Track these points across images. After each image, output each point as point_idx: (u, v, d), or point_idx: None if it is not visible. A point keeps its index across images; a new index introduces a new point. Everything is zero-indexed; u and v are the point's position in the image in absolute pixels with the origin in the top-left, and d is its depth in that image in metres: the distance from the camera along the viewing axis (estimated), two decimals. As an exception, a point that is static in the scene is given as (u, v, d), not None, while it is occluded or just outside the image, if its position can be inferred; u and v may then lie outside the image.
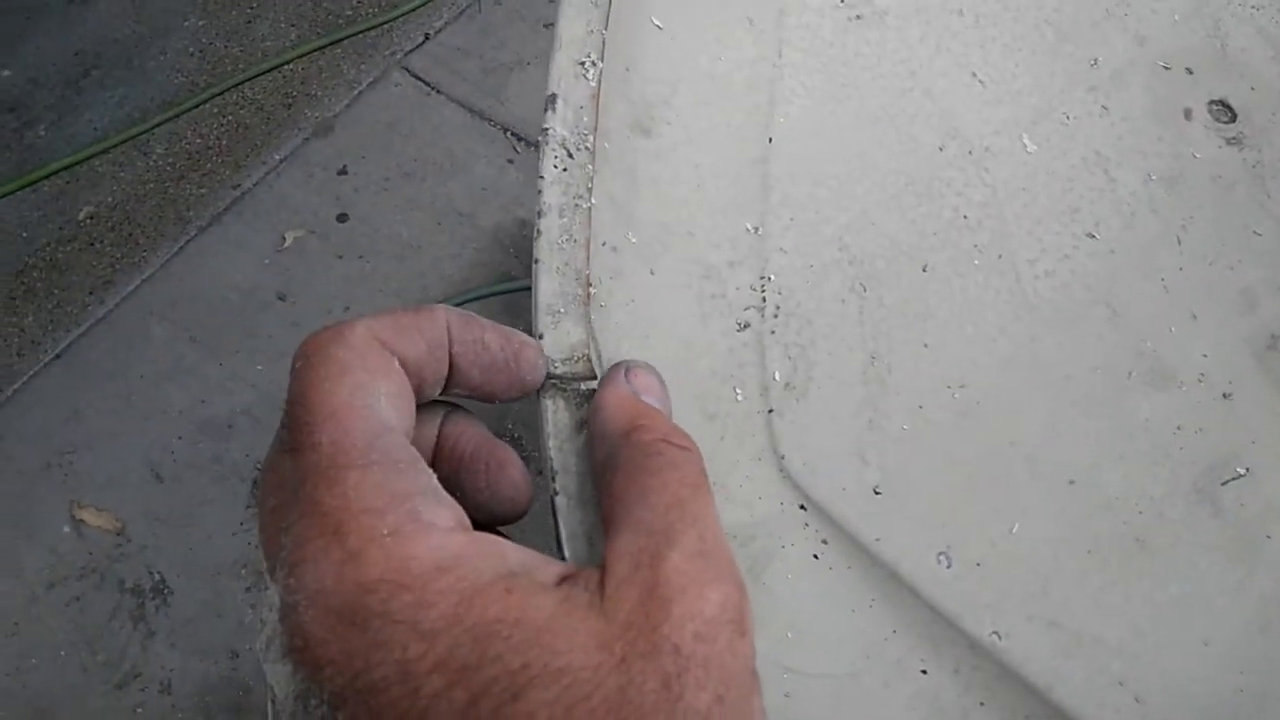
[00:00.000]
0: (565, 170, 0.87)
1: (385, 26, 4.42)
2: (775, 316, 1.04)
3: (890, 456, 1.01)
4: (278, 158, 4.13)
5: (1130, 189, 1.22)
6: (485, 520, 0.70)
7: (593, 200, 0.86)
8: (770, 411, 1.01)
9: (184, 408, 3.74)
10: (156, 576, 3.58)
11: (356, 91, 4.33)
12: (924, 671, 0.93)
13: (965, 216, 1.14)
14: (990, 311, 1.11)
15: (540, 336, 0.81)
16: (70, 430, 3.64)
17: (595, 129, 0.87)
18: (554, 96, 0.86)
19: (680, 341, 0.99)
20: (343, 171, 4.11)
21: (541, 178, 0.84)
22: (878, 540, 0.95)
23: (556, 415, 0.81)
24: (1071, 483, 1.02)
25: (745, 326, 1.03)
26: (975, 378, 1.07)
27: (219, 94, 4.13)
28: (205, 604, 3.56)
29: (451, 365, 0.67)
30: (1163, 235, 1.20)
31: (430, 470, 0.59)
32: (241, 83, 4.17)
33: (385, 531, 0.53)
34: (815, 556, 0.96)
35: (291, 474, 0.57)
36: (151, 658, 3.47)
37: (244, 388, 3.77)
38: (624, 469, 0.60)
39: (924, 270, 1.10)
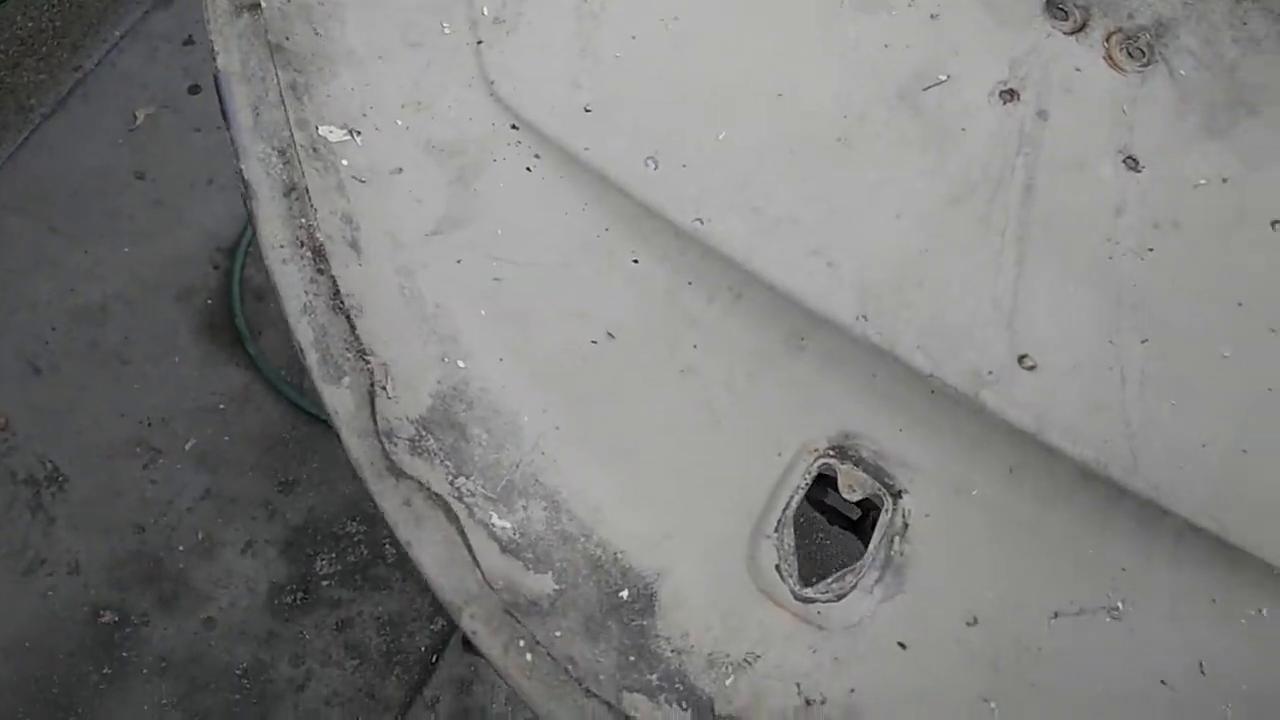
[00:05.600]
0: None
1: (217, -112, 4.19)
2: (480, -44, 1.07)
3: (602, 80, 1.06)
4: (118, 34, 3.94)
5: None
6: None
7: None
8: (480, 43, 1.04)
9: (53, 298, 3.65)
10: (49, 466, 3.55)
11: (195, -41, 4.14)
12: (635, 261, 1.00)
13: None
14: (704, -49, 1.15)
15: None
16: (-63, 333, 3.54)
17: None
18: None
19: (379, -26, 1.02)
20: (188, 42, 3.95)
21: None
22: (587, 150, 1.01)
23: (215, 1, 0.84)
24: (780, 96, 1.08)
25: (450, -35, 1.06)
26: (690, 9, 1.11)
27: (45, -29, 3.90)
28: (102, 486, 3.55)
29: None
30: (877, -118, 1.24)
31: None
32: (68, -43, 3.94)
33: None
34: (528, 169, 1.02)
35: None
36: (55, 543, 3.47)
37: (113, 272, 3.69)
38: None
39: (636, -86, 1.14)
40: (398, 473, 0.75)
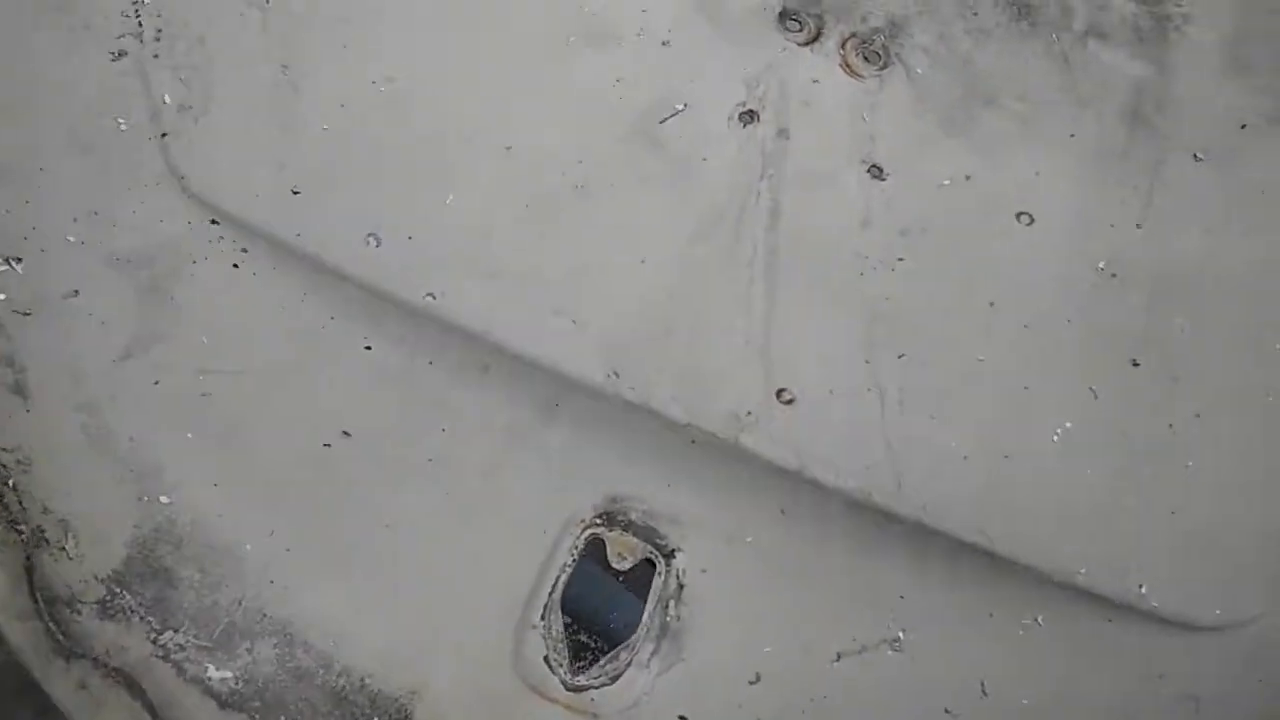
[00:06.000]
0: None
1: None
2: (158, 40, 0.98)
3: (310, 158, 0.98)
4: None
5: None
6: None
7: None
8: (165, 135, 0.96)
9: None
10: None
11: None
12: (368, 348, 0.93)
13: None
14: (416, 5, 1.08)
15: None
16: None
17: None
18: None
19: (33, 78, 0.92)
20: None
21: None
22: (299, 235, 0.93)
23: None
24: (509, 149, 1.03)
25: (121, 55, 0.97)
26: (404, 70, 1.05)
27: None
28: None
29: None
30: (597, -92, 1.20)
31: None
32: None
33: None
34: (235, 266, 0.94)
35: None
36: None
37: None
38: None
39: (334, -26, 1.07)
40: (68, 653, 0.67)
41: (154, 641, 0.73)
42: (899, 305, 1.00)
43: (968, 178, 1.09)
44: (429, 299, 0.94)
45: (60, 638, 0.67)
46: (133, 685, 0.68)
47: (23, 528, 0.69)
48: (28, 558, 0.68)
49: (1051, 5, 1.22)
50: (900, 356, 0.97)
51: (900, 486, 0.89)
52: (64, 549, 0.72)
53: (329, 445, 0.87)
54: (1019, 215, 1.08)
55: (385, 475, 0.88)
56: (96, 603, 0.72)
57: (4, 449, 0.73)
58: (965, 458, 0.91)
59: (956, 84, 1.16)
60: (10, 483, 0.71)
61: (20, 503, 0.70)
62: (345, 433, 0.88)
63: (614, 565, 0.89)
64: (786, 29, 1.16)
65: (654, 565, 0.89)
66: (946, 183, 1.08)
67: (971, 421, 0.94)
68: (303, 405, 0.89)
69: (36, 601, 0.67)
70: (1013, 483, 0.90)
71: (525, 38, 1.10)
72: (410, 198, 0.99)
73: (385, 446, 0.89)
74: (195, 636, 0.75)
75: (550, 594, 0.86)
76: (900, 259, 1.03)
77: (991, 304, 1.01)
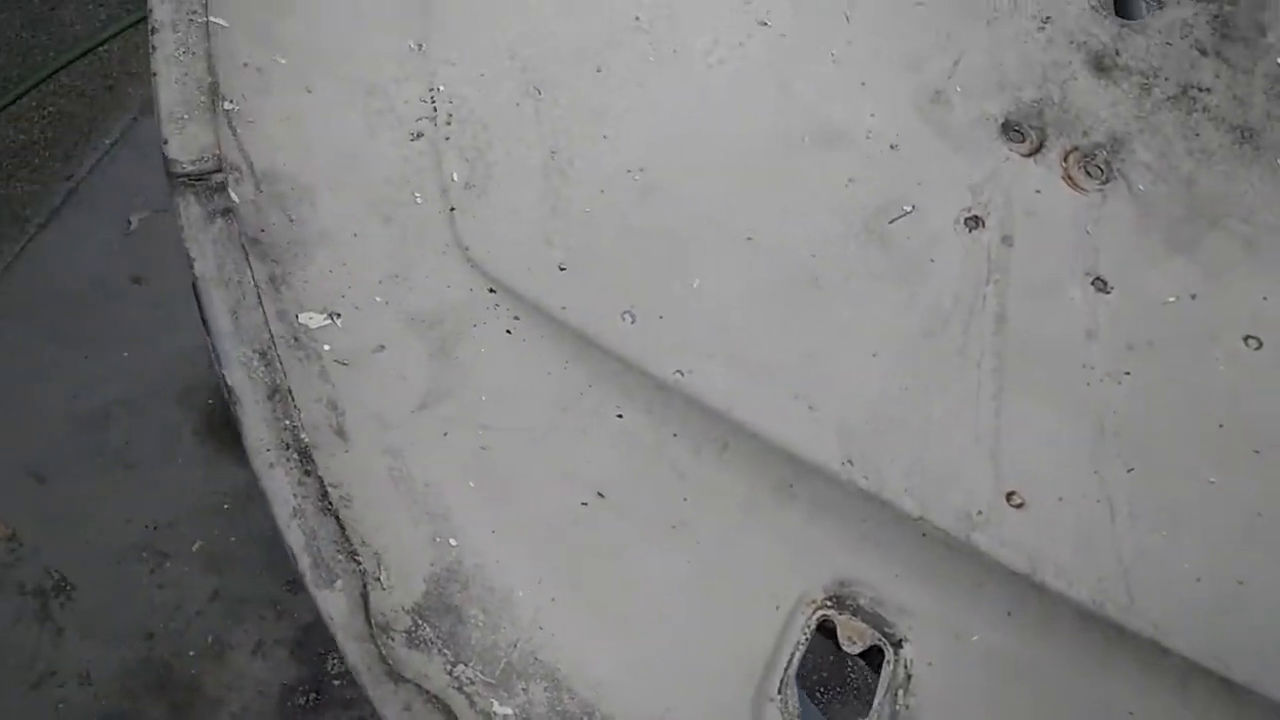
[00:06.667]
0: (178, -13, 0.91)
1: (201, -6, 4.29)
2: (449, 124, 1.10)
3: (574, 237, 1.08)
4: (109, 142, 4.02)
5: (802, -24, 1.30)
6: None
7: (211, 17, 0.90)
8: (452, 210, 1.07)
9: (55, 406, 3.68)
10: (56, 575, 3.54)
11: (182, 65, 4.22)
12: (620, 416, 1.01)
13: (637, 19, 1.21)
14: (666, 102, 1.18)
15: (165, 142, 0.86)
16: (-60, 449, 3.56)
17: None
18: (156, -81, 0.90)
19: (348, 154, 1.05)
20: (179, 146, 4.02)
21: (152, -5, 0.89)
22: (564, 309, 1.03)
23: (189, 210, 0.87)
24: (750, 239, 1.11)
25: (419, 136, 1.09)
26: (654, 161, 1.14)
27: (35, 86, 3.98)
28: (111, 593, 3.55)
29: None
30: (832, 14, 1.28)
31: None
32: (57, 71, 4.03)
33: None
34: (508, 332, 1.04)
35: None
36: (65, 653, 3.46)
37: (113, 376, 3.72)
38: None
39: (599, 71, 1.17)
40: (396, 677, 0.76)
41: (449, 673, 0.81)
42: (1126, 419, 1.02)
43: (1193, 297, 1.11)
44: (677, 375, 1.02)
45: (389, 662, 0.76)
46: (449, 714, 0.76)
47: (360, 557, 0.78)
48: (364, 585, 0.77)
49: (1274, 130, 1.24)
50: (1130, 470, 0.99)
51: (1132, 601, 0.91)
52: (379, 579, 0.81)
53: (586, 504, 0.95)
54: (1246, 339, 1.09)
55: (634, 536, 0.96)
56: (404, 632, 0.81)
57: (332, 485, 0.83)
58: (1198, 579, 0.93)
59: (1179, 203, 1.18)
60: (338, 516, 0.80)
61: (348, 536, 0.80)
62: (600, 494, 0.96)
63: (844, 648, 0.94)
64: (1009, 139, 1.21)
65: (882, 653, 0.93)
66: (1171, 300, 1.11)
67: (1203, 543, 0.95)
68: (563, 464, 0.98)
69: (371, 626, 0.76)
70: (1248, 610, 0.91)
71: (763, 135, 1.18)
72: (661, 280, 1.08)
73: (634, 510, 0.97)
74: (482, 672, 0.83)
75: (786, 670, 0.91)
76: (1126, 373, 1.05)
77: (1221, 426, 1.03)
